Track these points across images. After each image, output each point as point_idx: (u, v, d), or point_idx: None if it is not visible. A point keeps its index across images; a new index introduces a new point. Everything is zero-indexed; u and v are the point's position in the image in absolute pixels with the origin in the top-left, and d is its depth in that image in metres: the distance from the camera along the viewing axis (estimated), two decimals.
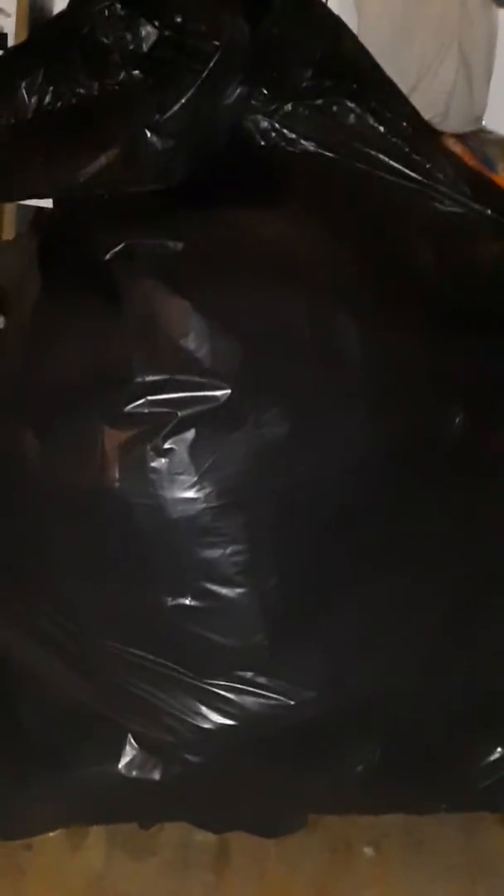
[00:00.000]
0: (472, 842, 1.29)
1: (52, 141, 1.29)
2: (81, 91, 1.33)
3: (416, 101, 1.39)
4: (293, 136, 1.31)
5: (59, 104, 1.35)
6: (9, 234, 1.79)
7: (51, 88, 1.33)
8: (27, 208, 1.74)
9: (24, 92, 1.34)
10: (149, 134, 1.19)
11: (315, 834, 1.29)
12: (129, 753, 1.15)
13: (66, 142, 1.27)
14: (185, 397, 1.07)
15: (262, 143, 1.31)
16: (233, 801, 1.22)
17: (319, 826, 1.29)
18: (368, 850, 1.28)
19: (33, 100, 1.35)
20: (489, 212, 1.32)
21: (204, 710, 1.12)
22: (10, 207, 1.78)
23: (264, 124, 1.31)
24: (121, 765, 1.15)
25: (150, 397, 1.08)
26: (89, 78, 1.31)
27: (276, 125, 1.31)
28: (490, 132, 1.76)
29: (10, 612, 1.16)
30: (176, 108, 1.18)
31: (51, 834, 1.26)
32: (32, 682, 1.17)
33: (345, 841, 1.29)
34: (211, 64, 1.17)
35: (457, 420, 1.16)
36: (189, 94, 1.17)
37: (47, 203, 1.54)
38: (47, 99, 1.35)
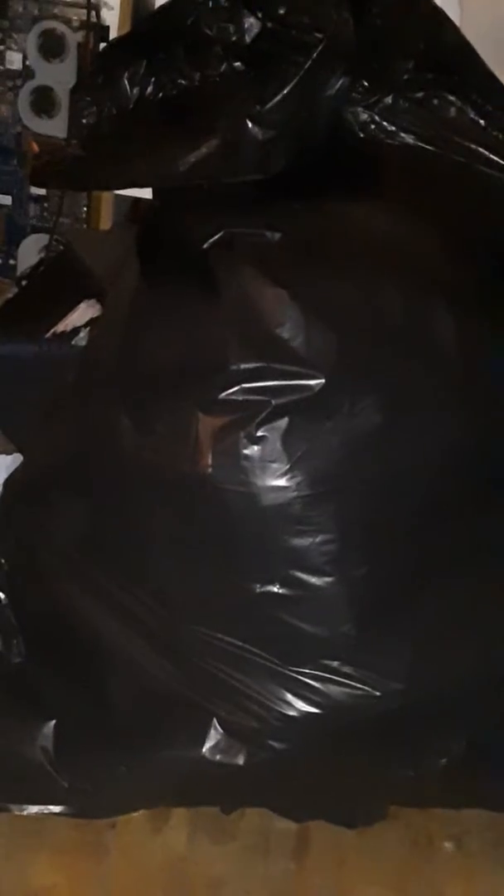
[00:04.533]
0: None
1: (153, 131, 1.30)
2: (183, 82, 1.34)
3: None
4: (393, 128, 1.31)
5: (160, 95, 1.36)
6: (106, 223, 1.81)
7: (153, 79, 1.35)
8: (123, 198, 1.76)
9: (126, 82, 1.36)
10: (250, 124, 1.20)
11: (395, 826, 1.29)
12: (213, 738, 1.16)
13: (167, 132, 1.28)
14: (279, 385, 1.08)
15: (361, 134, 1.31)
16: (314, 790, 1.23)
17: (399, 818, 1.29)
18: (449, 845, 1.28)
19: (135, 90, 1.36)
20: None
21: (289, 697, 1.12)
22: (107, 197, 1.80)
23: (364, 116, 1.31)
24: (205, 749, 1.16)
25: (244, 385, 1.08)
26: (191, 69, 1.32)
27: (376, 117, 1.31)
28: None
29: (101, 593, 1.18)
30: (277, 99, 1.18)
31: (134, 814, 1.27)
32: (120, 662, 1.19)
33: (425, 835, 1.29)
34: (314, 55, 1.18)
35: None
36: (291, 86, 1.18)
37: (144, 193, 1.57)
38: (149, 89, 1.36)
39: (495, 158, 1.31)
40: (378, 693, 1.12)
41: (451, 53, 1.33)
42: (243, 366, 1.09)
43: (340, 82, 1.23)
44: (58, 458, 1.24)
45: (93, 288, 1.42)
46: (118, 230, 1.65)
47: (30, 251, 1.76)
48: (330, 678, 1.12)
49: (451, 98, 1.32)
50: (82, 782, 1.20)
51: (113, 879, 1.23)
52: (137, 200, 1.76)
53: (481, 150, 1.31)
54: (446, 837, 1.29)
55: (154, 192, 1.37)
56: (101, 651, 1.19)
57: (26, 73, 1.71)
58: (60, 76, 1.67)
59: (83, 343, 1.38)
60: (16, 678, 1.24)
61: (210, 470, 1.09)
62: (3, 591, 1.26)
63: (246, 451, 1.08)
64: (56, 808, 1.24)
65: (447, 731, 1.16)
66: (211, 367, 1.09)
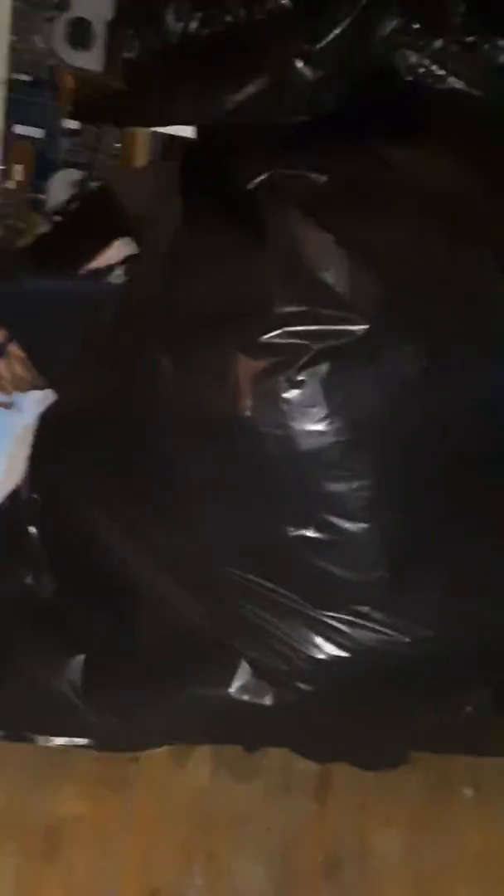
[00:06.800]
0: None
1: (199, 68, 1.29)
2: (229, 18, 1.33)
3: None
4: (442, 72, 1.30)
5: (206, 31, 1.35)
6: (140, 160, 1.79)
7: (198, 14, 1.33)
8: (157, 135, 1.74)
9: (170, 17, 1.34)
10: (300, 63, 1.19)
11: (415, 771, 1.30)
12: (241, 677, 1.17)
13: (214, 69, 1.27)
14: (321, 330, 1.08)
15: (409, 77, 1.30)
16: (338, 733, 1.24)
17: (419, 764, 1.30)
18: (468, 791, 1.29)
19: (179, 25, 1.35)
20: None
21: (319, 640, 1.13)
22: (142, 133, 1.78)
23: (413, 59, 1.29)
24: (233, 688, 1.17)
25: (286, 328, 1.08)
26: (238, 5, 1.31)
27: (426, 61, 1.30)
28: None
29: (133, 532, 1.18)
30: (330, 38, 1.17)
31: (157, 750, 1.29)
32: (151, 600, 1.19)
33: (446, 780, 1.30)
34: None
35: None
36: (344, 25, 1.17)
37: (182, 130, 1.55)
38: (194, 25, 1.35)
39: None
40: (407, 639, 1.12)
41: None
42: (286, 309, 1.08)
43: (394, 23, 1.21)
44: (93, 396, 1.24)
45: (128, 225, 1.41)
46: (154, 167, 1.63)
47: (60, 185, 1.74)
48: (360, 623, 1.13)
49: (502, 43, 1.30)
50: (109, 716, 1.21)
51: (136, 812, 1.24)
52: (173, 138, 1.74)
53: None
54: (465, 783, 1.30)
55: (197, 130, 1.36)
56: (131, 588, 1.20)
57: (61, 3, 1.68)
58: (97, 7, 1.64)
59: (119, 280, 1.37)
60: (45, 613, 1.25)
61: (249, 412, 1.09)
62: (35, 526, 1.26)
63: (286, 395, 1.08)
64: (82, 741, 1.25)
65: (474, 679, 1.17)
66: (254, 309, 1.09)
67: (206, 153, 1.27)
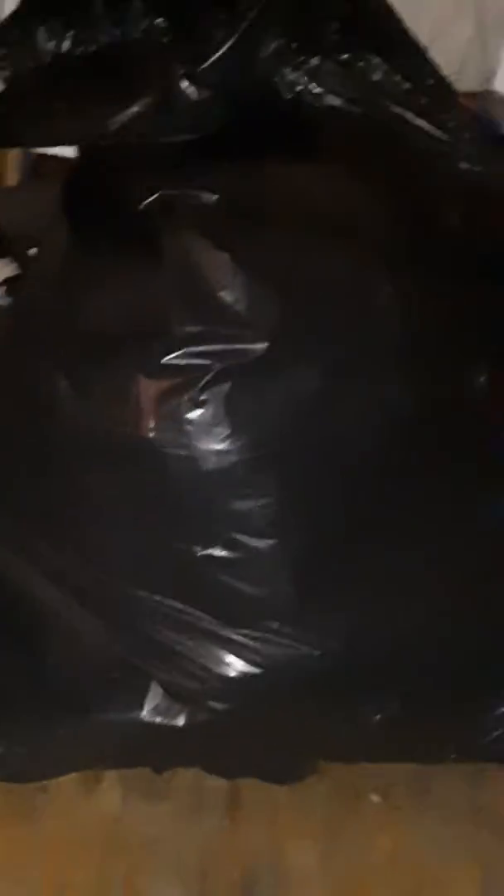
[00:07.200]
0: (476, 790, 1.33)
1: (78, 88, 1.28)
2: (104, 38, 1.32)
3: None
4: (320, 90, 1.31)
5: (79, 50, 1.34)
6: (9, 180, 1.77)
7: (70, 33, 1.32)
8: (28, 155, 1.72)
9: (42, 36, 1.33)
10: (185, 83, 1.19)
11: (323, 781, 1.32)
12: (153, 699, 1.16)
13: (94, 90, 1.26)
14: (222, 349, 1.08)
15: (289, 95, 1.31)
16: (248, 748, 1.24)
17: (327, 774, 1.32)
18: (376, 798, 1.31)
19: (51, 44, 1.33)
20: None
21: (230, 658, 1.14)
22: (11, 153, 1.76)
23: (291, 77, 1.30)
24: (145, 710, 1.16)
25: (187, 349, 1.08)
26: (111, 25, 1.30)
27: (304, 78, 1.31)
28: (497, 92, 1.77)
29: (36, 556, 1.17)
30: (215, 58, 1.17)
31: (64, 778, 1.27)
32: (58, 628, 1.18)
33: (353, 788, 1.32)
34: (252, 15, 1.17)
35: (481, 380, 1.17)
36: (229, 45, 1.17)
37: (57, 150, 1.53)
38: (66, 45, 1.33)
39: (421, 123, 1.32)
40: (317, 652, 1.14)
41: (376, 17, 1.34)
42: (187, 329, 1.08)
43: (274, 44, 1.22)
44: None
45: (3, 245, 1.40)
46: (30, 187, 1.61)
47: None
48: (270, 638, 1.13)
49: (377, 61, 1.32)
50: (18, 747, 1.19)
51: (48, 841, 1.23)
52: (44, 156, 1.72)
53: (407, 113, 1.32)
54: (373, 790, 1.32)
55: (80, 150, 1.34)
56: (38, 616, 1.18)
57: None
58: None
59: (3, 302, 1.35)
60: None
61: (152, 434, 1.08)
62: None
63: (189, 416, 1.08)
64: None
65: (383, 687, 1.18)
66: (153, 330, 1.09)
67: (91, 173, 1.26)
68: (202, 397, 1.08)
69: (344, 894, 1.23)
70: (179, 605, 1.13)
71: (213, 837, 1.25)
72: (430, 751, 1.27)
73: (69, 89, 1.29)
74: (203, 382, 1.07)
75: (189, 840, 1.24)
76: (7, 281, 1.47)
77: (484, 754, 1.28)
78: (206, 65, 1.18)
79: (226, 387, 1.08)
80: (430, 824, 1.28)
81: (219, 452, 1.08)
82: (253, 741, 1.23)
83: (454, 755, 1.28)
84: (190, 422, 1.08)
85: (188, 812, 1.27)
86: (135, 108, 1.22)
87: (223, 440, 1.08)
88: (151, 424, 1.08)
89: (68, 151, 1.44)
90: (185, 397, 1.08)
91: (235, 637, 1.13)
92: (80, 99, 1.27)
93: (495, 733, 1.25)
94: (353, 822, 1.29)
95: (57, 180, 1.34)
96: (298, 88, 1.31)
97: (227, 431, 1.08)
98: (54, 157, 1.64)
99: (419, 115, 1.32)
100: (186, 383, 1.08)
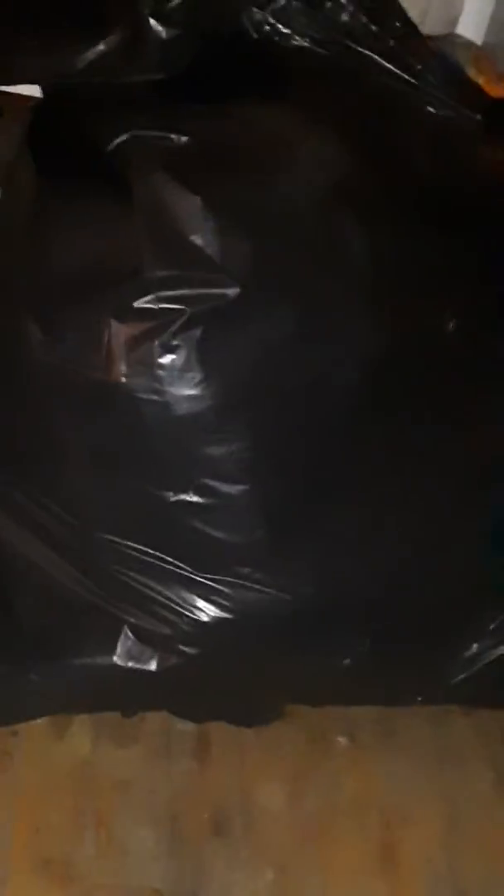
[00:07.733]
0: (438, 731, 1.35)
1: (45, 25, 1.25)
2: None
3: None
4: (287, 30, 1.30)
5: None
6: None
7: None
8: None
9: None
10: (153, 21, 1.17)
11: (291, 724, 1.33)
12: (125, 644, 1.16)
13: (61, 27, 1.24)
14: (194, 294, 1.07)
15: (256, 35, 1.29)
16: (218, 692, 1.25)
17: (294, 717, 1.33)
18: (343, 740, 1.33)
19: None
20: (478, 117, 1.33)
21: (202, 603, 1.14)
22: None
23: (258, 16, 1.29)
24: (116, 655, 1.16)
25: (159, 293, 1.07)
26: None
27: (270, 18, 1.29)
28: (460, 36, 1.75)
29: (7, 504, 1.16)
30: None
31: (35, 722, 1.28)
32: (27, 570, 1.18)
33: (320, 731, 1.33)
34: None
35: (451, 324, 1.17)
36: None
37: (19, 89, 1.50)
38: None
39: (388, 65, 1.31)
40: (288, 597, 1.14)
41: None
42: (158, 273, 1.07)
43: None
44: None
45: None
46: None
47: None
48: (242, 584, 1.14)
49: (344, 2, 1.31)
50: None
51: (20, 785, 1.23)
52: (5, 94, 1.69)
53: (375, 56, 1.31)
54: (340, 732, 1.34)
55: (44, 89, 1.32)
56: (9, 562, 1.18)
57: None
58: None
59: None
60: None
61: (124, 379, 1.08)
62: None
63: (160, 360, 1.07)
64: None
65: (353, 630, 1.19)
66: (125, 274, 1.08)
67: (57, 113, 1.24)
68: (174, 342, 1.07)
69: (313, 834, 1.24)
70: (151, 551, 1.13)
71: (183, 780, 1.26)
72: (398, 694, 1.29)
73: (35, 25, 1.26)
74: (175, 327, 1.07)
75: (159, 782, 1.25)
76: None
77: (449, 697, 1.30)
78: (174, 3, 1.16)
79: (198, 332, 1.07)
80: (397, 764, 1.30)
81: (191, 398, 1.08)
82: (223, 685, 1.23)
83: (420, 698, 1.30)
84: (162, 366, 1.07)
85: (158, 755, 1.28)
86: (102, 46, 1.20)
87: (195, 385, 1.08)
88: (123, 369, 1.07)
89: (32, 90, 1.41)
90: (157, 342, 1.07)
91: (207, 582, 1.13)
92: (46, 36, 1.25)
93: (461, 676, 1.27)
94: (320, 763, 1.30)
95: (21, 120, 1.32)
96: (266, 28, 1.30)
97: (199, 376, 1.08)
98: (18, 96, 1.61)
99: (386, 58, 1.31)
100: (158, 328, 1.07)
